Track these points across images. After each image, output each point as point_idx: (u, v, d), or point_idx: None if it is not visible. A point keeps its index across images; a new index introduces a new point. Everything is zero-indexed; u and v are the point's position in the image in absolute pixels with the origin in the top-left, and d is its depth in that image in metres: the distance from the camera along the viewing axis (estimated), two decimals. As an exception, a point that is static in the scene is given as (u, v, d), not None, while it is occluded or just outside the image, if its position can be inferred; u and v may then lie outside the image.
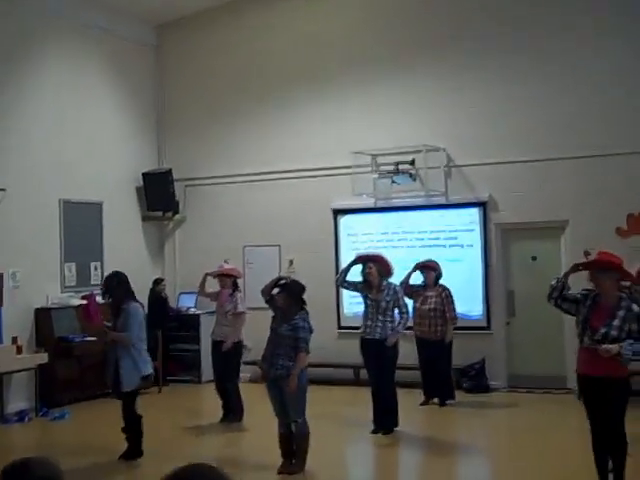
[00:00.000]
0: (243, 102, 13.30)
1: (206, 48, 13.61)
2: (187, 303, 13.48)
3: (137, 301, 8.43)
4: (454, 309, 10.62)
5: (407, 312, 9.24)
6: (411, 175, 11.51)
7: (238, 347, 10.32)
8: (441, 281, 10.75)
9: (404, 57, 12.23)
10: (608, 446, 6.29)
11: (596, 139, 11.07)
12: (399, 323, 9.12)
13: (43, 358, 10.84)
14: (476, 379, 11.54)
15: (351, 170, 11.85)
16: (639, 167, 10.91)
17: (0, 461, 2.56)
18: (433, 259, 10.91)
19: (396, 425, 9.16)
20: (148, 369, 8.23)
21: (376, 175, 11.65)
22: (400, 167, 11.56)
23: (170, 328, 13.08)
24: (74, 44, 12.27)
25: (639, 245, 10.81)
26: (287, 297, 7.59)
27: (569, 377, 10.63)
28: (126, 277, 8.51)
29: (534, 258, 11.69)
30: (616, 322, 6.17)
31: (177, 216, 13.69)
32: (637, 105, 11.00)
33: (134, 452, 8.17)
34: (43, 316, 11.25)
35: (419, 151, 11.55)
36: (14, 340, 10.63)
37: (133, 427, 8.19)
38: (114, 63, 12.99)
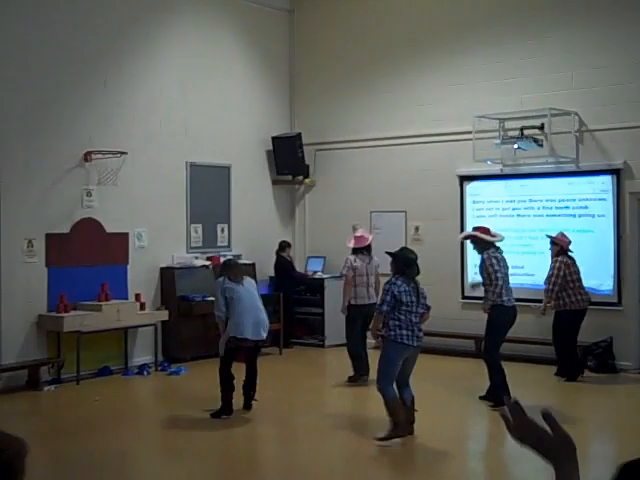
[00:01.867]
0: (373, 69, 13.09)
1: (339, 14, 13.50)
2: (315, 267, 13.57)
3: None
4: (552, 281, 10.15)
5: None
6: (536, 140, 10.88)
7: (348, 310, 10.47)
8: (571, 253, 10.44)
9: (530, 18, 11.55)
10: None
11: None
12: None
13: (164, 315, 11.30)
14: (602, 358, 10.86)
15: (472, 135, 11.37)
16: None
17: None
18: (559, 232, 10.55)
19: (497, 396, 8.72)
20: (235, 332, 8.35)
21: (498, 140, 11.11)
22: (525, 132, 10.95)
23: (296, 292, 13.22)
24: (204, 8, 12.50)
25: None
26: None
27: None
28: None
29: (672, 231, 10.79)
30: None
31: (307, 180, 13.74)
32: None
33: (222, 410, 8.37)
34: (167, 275, 11.69)
35: (545, 116, 10.89)
36: (137, 297, 11.13)
37: (221, 386, 8.40)
38: (246, 27, 13.14)
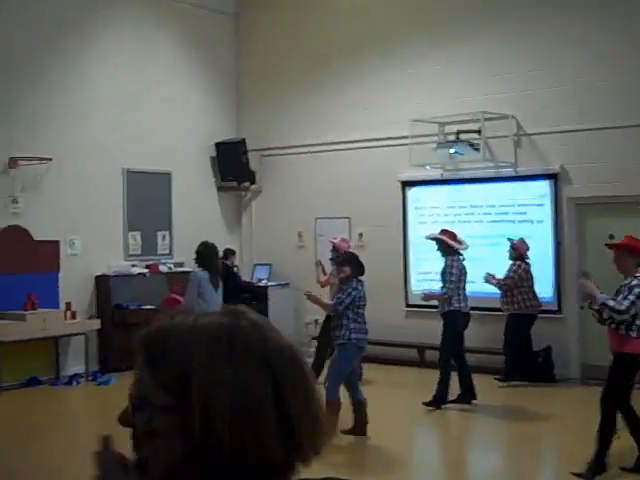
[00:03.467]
0: (318, 73, 12.90)
1: (285, 18, 13.31)
2: (261, 274, 13.37)
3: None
4: (506, 282, 10.26)
5: None
6: (472, 145, 10.68)
7: None
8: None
9: (468, 20, 11.38)
10: None
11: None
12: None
13: (96, 324, 11.09)
14: (540, 368, 10.62)
15: (408, 140, 11.17)
16: None
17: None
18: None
19: (438, 400, 8.97)
20: None
21: (434, 145, 10.92)
22: (462, 136, 10.76)
23: (241, 300, 12.99)
24: (142, 12, 12.33)
25: None
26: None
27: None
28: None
29: (611, 236, 10.51)
30: None
31: (253, 186, 13.55)
32: None
33: None
34: (102, 283, 11.49)
35: (483, 119, 10.68)
36: (67, 306, 10.92)
37: None
38: (189, 31, 12.96)
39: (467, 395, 9.13)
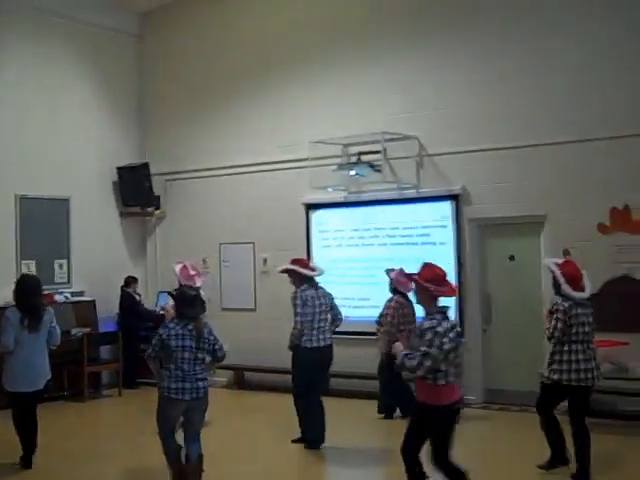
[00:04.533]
0: (223, 95, 12.68)
1: (189, 40, 13.05)
2: (165, 301, 12.95)
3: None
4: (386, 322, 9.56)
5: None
6: (373, 166, 10.51)
7: None
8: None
9: (369, 39, 11.27)
10: None
11: (578, 123, 9.75)
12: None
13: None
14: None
15: (307, 162, 10.95)
16: (625, 153, 9.55)
17: None
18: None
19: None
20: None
21: (334, 167, 10.72)
22: (364, 157, 10.58)
23: (144, 328, 12.58)
24: (44, 30, 11.94)
25: (623, 243, 9.52)
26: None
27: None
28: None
29: (512, 258, 10.48)
30: None
31: (157, 212, 13.17)
32: (622, 85, 9.61)
33: None
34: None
35: (383, 140, 10.51)
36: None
37: None
38: (90, 52, 12.64)
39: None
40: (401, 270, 9.24)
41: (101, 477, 7.65)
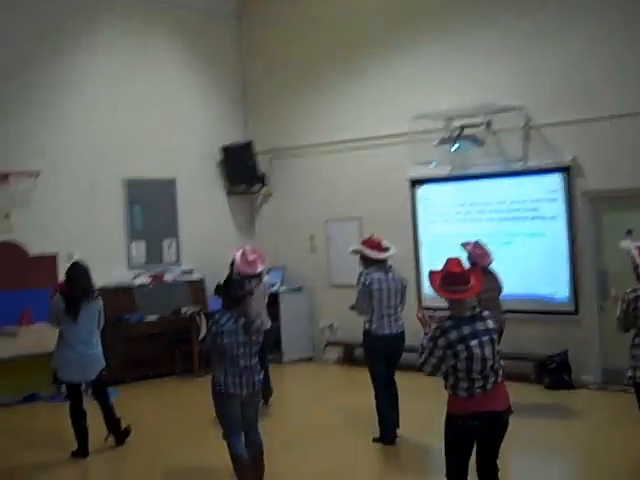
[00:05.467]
0: (325, 71, 12.49)
1: (287, 18, 12.95)
2: (274, 279, 12.95)
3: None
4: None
5: None
6: (476, 140, 10.07)
7: None
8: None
9: (471, 9, 10.78)
10: None
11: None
12: None
13: (95, 339, 10.84)
14: (557, 373, 9.98)
15: (408, 137, 10.61)
16: None
17: None
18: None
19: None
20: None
21: (435, 142, 10.34)
22: (466, 131, 10.16)
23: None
24: (141, 18, 12.06)
25: None
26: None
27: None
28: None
29: (629, 232, 9.82)
30: None
31: (264, 189, 13.16)
32: None
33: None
34: (103, 296, 11.10)
35: (489, 112, 10.06)
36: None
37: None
38: (190, 36, 12.74)
39: None
40: (477, 243, 8.78)
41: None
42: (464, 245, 8.90)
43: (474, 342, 4.93)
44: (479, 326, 5.01)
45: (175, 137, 12.36)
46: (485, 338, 4.99)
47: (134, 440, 8.18)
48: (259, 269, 8.75)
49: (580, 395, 9.77)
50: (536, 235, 10.33)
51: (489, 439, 5.04)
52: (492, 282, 8.61)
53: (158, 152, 12.09)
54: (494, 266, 8.83)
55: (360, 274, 7.89)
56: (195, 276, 12.22)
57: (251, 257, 8.80)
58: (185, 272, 12.20)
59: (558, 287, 10.21)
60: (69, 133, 11.18)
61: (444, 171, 10.99)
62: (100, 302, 8.02)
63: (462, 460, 5.06)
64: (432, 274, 5.21)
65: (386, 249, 7.97)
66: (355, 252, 8.10)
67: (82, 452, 7.80)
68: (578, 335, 10.09)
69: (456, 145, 10.24)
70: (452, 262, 5.15)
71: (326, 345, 12.57)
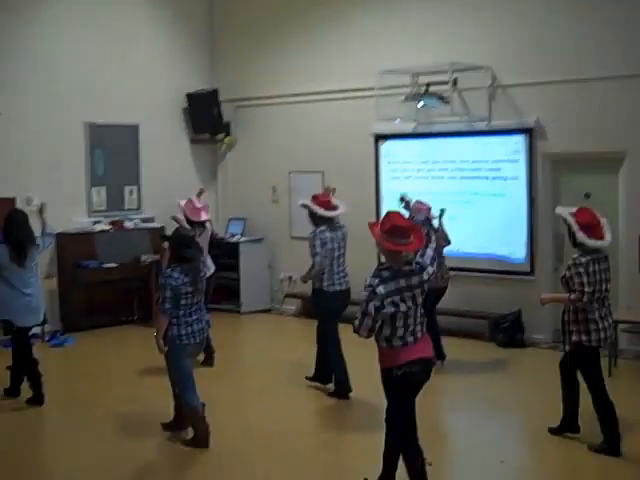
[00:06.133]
0: (294, 20, 12.31)
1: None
2: (235, 230, 12.96)
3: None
4: None
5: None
6: (442, 98, 10.05)
7: None
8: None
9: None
10: None
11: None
12: None
13: (52, 284, 10.81)
14: (510, 332, 10.17)
15: (375, 92, 10.55)
16: None
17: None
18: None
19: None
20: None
21: (402, 97, 10.31)
22: (432, 89, 10.14)
23: (214, 255, 12.62)
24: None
25: None
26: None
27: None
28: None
29: (587, 195, 9.94)
30: None
31: (227, 139, 13.05)
32: None
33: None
34: (63, 241, 11.11)
35: (455, 70, 10.02)
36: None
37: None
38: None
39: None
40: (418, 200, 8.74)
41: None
42: (403, 198, 8.88)
43: (408, 294, 5.11)
44: (414, 280, 5.15)
45: (139, 83, 12.15)
46: (417, 290, 5.16)
47: (89, 390, 8.22)
48: (203, 217, 9.04)
49: (530, 353, 9.98)
50: (496, 195, 10.41)
51: (420, 386, 5.27)
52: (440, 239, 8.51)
53: (121, 98, 11.90)
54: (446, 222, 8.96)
55: (314, 234, 7.83)
56: (156, 224, 12.15)
57: (198, 205, 9.06)
58: (146, 220, 12.13)
59: (515, 248, 10.33)
60: (30, 76, 10.94)
61: (408, 127, 10.98)
62: (39, 247, 7.94)
63: (408, 411, 5.27)
64: (372, 226, 5.28)
65: (335, 207, 7.96)
66: (304, 206, 8.08)
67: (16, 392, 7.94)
68: (532, 295, 10.17)
69: (421, 102, 10.21)
70: (396, 216, 5.25)
71: (285, 297, 12.64)
